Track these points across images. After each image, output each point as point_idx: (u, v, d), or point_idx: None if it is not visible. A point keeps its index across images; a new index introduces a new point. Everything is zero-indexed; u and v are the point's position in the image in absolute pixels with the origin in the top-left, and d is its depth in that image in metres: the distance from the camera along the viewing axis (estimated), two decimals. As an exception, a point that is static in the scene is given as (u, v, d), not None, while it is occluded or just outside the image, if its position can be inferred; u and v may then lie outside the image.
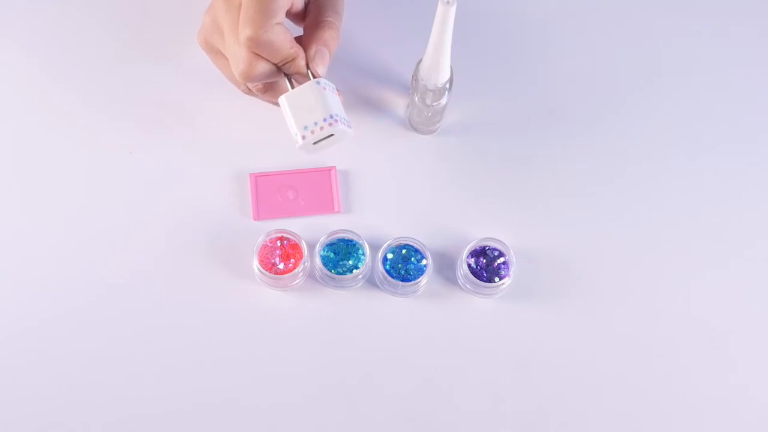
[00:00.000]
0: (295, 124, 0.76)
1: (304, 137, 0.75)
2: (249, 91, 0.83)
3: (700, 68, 0.92)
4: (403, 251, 0.84)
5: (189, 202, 0.86)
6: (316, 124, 0.75)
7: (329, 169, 0.87)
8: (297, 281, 0.84)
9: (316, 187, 0.86)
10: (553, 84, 0.91)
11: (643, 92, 0.91)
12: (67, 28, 0.91)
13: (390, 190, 0.87)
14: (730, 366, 0.84)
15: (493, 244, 0.84)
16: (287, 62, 0.76)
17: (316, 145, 0.76)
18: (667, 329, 0.84)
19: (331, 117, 0.75)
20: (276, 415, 0.81)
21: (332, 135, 0.76)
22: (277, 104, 0.80)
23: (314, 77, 0.77)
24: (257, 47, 0.74)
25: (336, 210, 0.86)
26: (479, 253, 0.84)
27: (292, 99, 0.76)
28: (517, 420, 0.82)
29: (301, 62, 0.77)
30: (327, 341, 0.83)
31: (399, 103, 0.89)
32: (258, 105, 0.87)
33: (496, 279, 0.83)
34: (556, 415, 0.82)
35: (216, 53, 0.81)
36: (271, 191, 0.86)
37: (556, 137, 0.89)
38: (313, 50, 0.78)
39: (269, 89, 0.81)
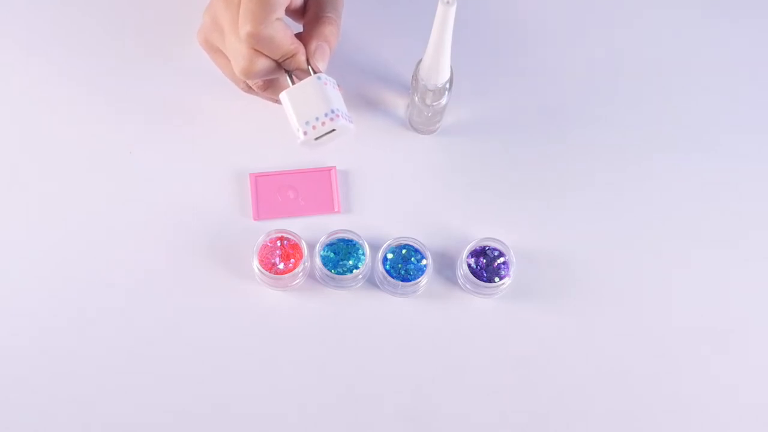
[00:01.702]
0: (297, 119, 0.75)
1: (305, 132, 0.75)
2: (249, 90, 0.83)
3: (701, 68, 0.92)
4: (403, 251, 0.84)
5: (189, 202, 0.86)
6: (317, 119, 0.75)
7: (329, 169, 0.87)
8: (297, 281, 0.84)
9: (316, 187, 0.86)
10: (553, 84, 0.91)
11: (643, 92, 0.91)
12: (66, 29, 0.90)
13: (390, 190, 0.87)
14: (730, 366, 0.84)
15: (493, 244, 0.84)
16: (288, 58, 0.76)
17: (318, 140, 0.76)
18: (667, 329, 0.84)
19: (333, 112, 0.75)
20: (276, 414, 0.81)
21: (334, 130, 0.76)
22: (277, 102, 0.80)
23: (315, 73, 0.77)
24: (258, 43, 0.74)
25: (336, 210, 0.86)
26: (479, 253, 0.84)
27: (293, 94, 0.76)
28: (517, 420, 0.82)
29: (302, 58, 0.77)
30: (327, 341, 0.83)
31: (399, 104, 0.89)
32: (258, 105, 0.87)
33: (496, 279, 0.83)
34: (556, 415, 0.82)
35: (216, 52, 0.81)
36: (271, 191, 0.86)
37: (556, 137, 0.89)
38: (313, 46, 0.77)
39: (269, 86, 0.81)
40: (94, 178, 0.86)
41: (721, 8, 0.94)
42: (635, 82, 0.91)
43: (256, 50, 0.75)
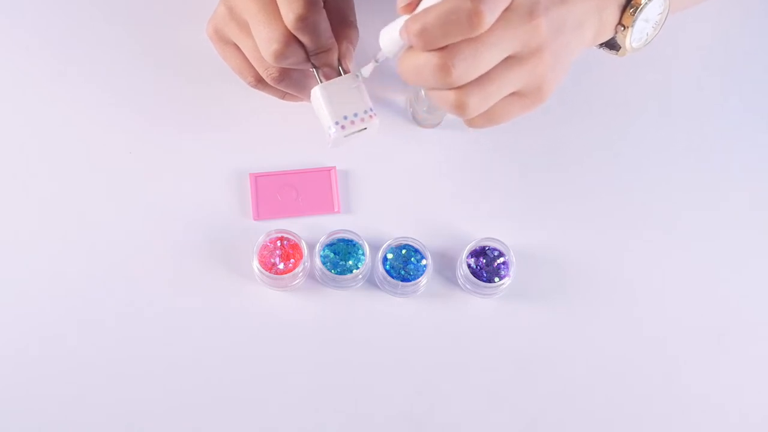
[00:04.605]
0: (330, 115, 0.75)
1: (343, 127, 0.74)
2: (258, 83, 0.82)
3: (703, 68, 0.92)
4: (403, 251, 0.84)
5: (189, 201, 0.86)
6: (356, 115, 0.75)
7: (329, 169, 0.87)
8: (297, 281, 0.84)
9: (316, 187, 0.86)
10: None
11: (645, 90, 0.91)
12: (66, 29, 0.90)
13: (390, 189, 0.87)
14: (733, 366, 0.84)
15: (493, 244, 0.84)
16: (322, 52, 0.76)
17: (346, 138, 0.76)
18: (668, 329, 0.84)
19: (371, 110, 0.75)
20: (275, 415, 0.81)
21: (365, 129, 0.75)
22: (285, 97, 0.80)
23: (344, 72, 0.77)
24: (303, 28, 0.73)
25: (336, 210, 0.86)
26: (479, 253, 0.84)
27: (329, 90, 0.75)
28: (517, 420, 0.82)
29: (335, 55, 0.77)
30: (327, 341, 0.83)
31: (399, 98, 0.89)
32: (258, 105, 0.87)
33: (496, 279, 0.83)
34: (556, 415, 0.82)
35: (226, 43, 0.81)
36: (271, 191, 0.86)
37: (557, 136, 0.89)
38: (344, 47, 0.78)
39: (284, 79, 0.79)
40: (93, 178, 0.86)
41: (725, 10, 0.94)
42: (638, 80, 0.91)
43: (292, 36, 0.74)
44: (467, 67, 0.65)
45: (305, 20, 0.73)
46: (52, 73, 0.89)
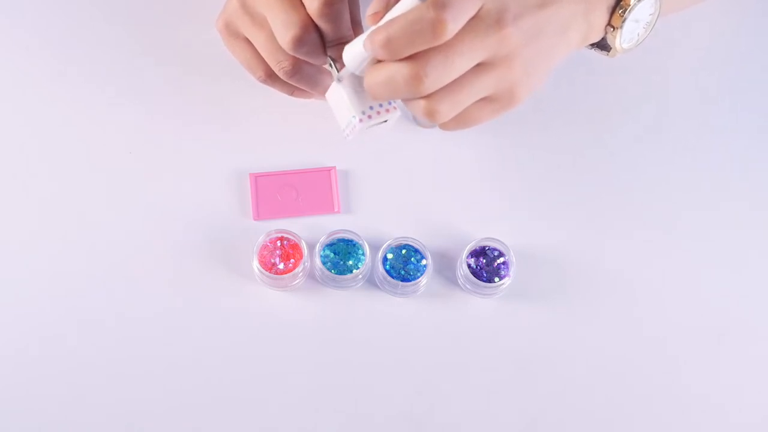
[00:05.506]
0: (357, 105, 0.73)
1: (370, 117, 0.73)
2: (267, 78, 0.81)
3: (701, 67, 0.92)
4: (403, 251, 0.84)
5: (189, 202, 0.86)
6: (381, 106, 0.74)
7: (329, 169, 0.87)
8: (297, 281, 0.84)
9: (316, 187, 0.87)
10: (556, 82, 0.90)
11: (644, 90, 0.91)
12: (66, 28, 0.91)
13: (390, 189, 0.87)
14: (733, 366, 0.84)
15: (493, 244, 0.84)
16: (341, 42, 0.75)
17: (369, 129, 0.75)
18: (668, 329, 0.84)
19: (393, 101, 0.74)
20: (275, 415, 0.81)
21: (386, 121, 0.75)
22: (292, 94, 0.81)
23: None
24: (329, 14, 0.73)
25: (336, 210, 0.86)
26: (479, 253, 0.84)
27: (353, 81, 0.74)
28: (517, 420, 0.82)
29: None
30: (327, 341, 0.83)
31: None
32: (258, 104, 0.87)
33: (496, 279, 0.83)
34: (556, 415, 0.82)
35: (236, 37, 0.80)
36: (271, 191, 0.86)
37: (557, 136, 0.89)
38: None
39: (297, 72, 0.78)
40: (93, 179, 0.86)
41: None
42: (638, 79, 0.91)
43: (312, 23, 0.74)
44: (438, 75, 0.65)
45: (332, 6, 0.73)
46: (52, 73, 0.89)
